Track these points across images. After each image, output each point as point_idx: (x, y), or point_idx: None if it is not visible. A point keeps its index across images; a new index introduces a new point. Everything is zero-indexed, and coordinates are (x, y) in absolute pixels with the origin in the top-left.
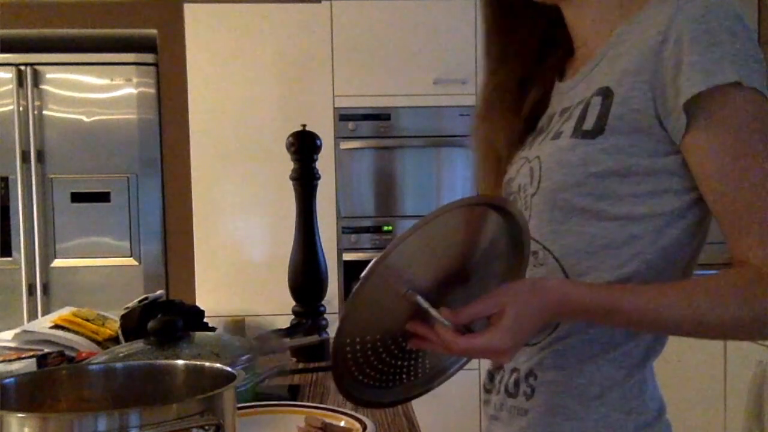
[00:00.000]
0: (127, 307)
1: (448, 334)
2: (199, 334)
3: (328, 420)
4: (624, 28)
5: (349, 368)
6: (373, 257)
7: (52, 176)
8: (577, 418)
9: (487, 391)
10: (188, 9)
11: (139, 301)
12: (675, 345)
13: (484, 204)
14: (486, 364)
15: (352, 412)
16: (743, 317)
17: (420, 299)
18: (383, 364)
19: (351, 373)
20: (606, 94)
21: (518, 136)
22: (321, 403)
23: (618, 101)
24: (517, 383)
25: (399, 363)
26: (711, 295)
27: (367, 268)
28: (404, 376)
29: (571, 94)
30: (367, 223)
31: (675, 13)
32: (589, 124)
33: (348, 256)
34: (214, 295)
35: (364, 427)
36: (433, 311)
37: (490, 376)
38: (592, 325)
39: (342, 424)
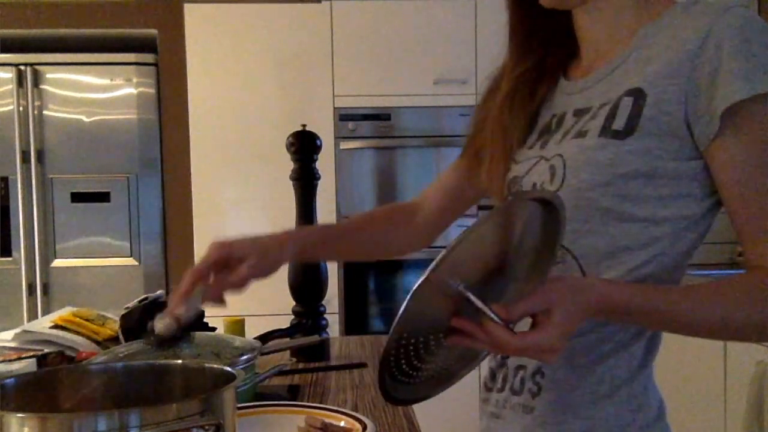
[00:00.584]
0: (127, 307)
1: (499, 330)
2: (199, 334)
3: (328, 420)
4: (648, 30)
5: (389, 365)
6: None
7: (52, 176)
8: (586, 416)
9: (488, 389)
10: (188, 9)
11: (139, 301)
12: (675, 345)
13: (539, 199)
14: (485, 362)
15: (352, 413)
16: (764, 319)
17: (471, 296)
18: (418, 360)
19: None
20: (638, 95)
21: (523, 132)
22: (321, 403)
23: (651, 102)
24: (522, 381)
25: (424, 360)
26: (738, 297)
27: (435, 263)
28: (423, 372)
29: (586, 94)
30: None
31: (715, 20)
32: (619, 124)
33: None
34: None
35: (364, 427)
36: (485, 308)
37: (493, 373)
38: (605, 324)
39: (342, 424)
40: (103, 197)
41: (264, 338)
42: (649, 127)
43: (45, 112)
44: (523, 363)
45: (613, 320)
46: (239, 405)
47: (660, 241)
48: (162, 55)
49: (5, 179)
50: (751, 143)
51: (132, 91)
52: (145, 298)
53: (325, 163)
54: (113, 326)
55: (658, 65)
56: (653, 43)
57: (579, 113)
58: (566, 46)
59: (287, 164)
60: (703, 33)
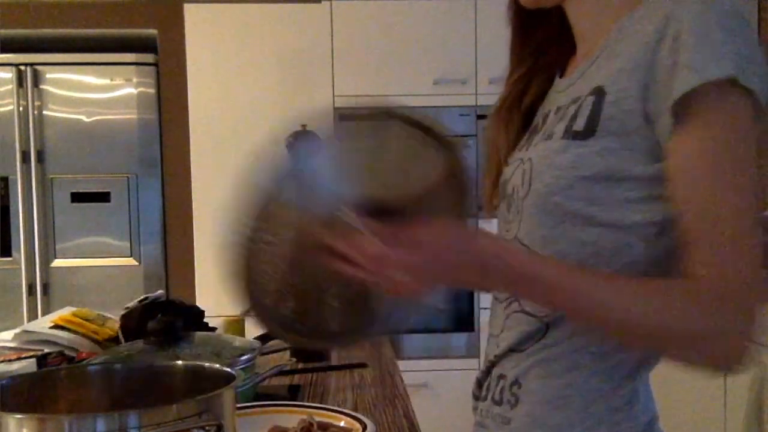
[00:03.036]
0: (127, 307)
1: (366, 241)
2: (199, 334)
3: (327, 420)
4: (624, 22)
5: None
6: None
7: (52, 176)
8: (560, 431)
9: (476, 397)
10: (188, 9)
11: (139, 301)
12: None
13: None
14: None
15: (352, 412)
16: (672, 327)
17: (345, 211)
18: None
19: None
20: (599, 93)
21: (517, 134)
22: (321, 403)
23: (610, 101)
24: (502, 391)
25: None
26: (649, 297)
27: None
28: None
29: (569, 91)
30: None
31: (673, 9)
32: (579, 125)
33: None
34: (214, 295)
35: (364, 427)
36: (357, 221)
37: (479, 383)
38: (581, 332)
39: (342, 424)
40: (103, 197)
41: (264, 338)
42: (609, 126)
43: (45, 112)
44: (504, 372)
45: (507, 289)
46: (239, 405)
47: (632, 248)
48: (162, 55)
49: (5, 179)
50: (705, 140)
51: (132, 91)
52: (145, 298)
53: None
54: (113, 326)
55: (623, 61)
56: (624, 37)
57: (558, 111)
58: (565, 43)
59: None
60: (662, 24)
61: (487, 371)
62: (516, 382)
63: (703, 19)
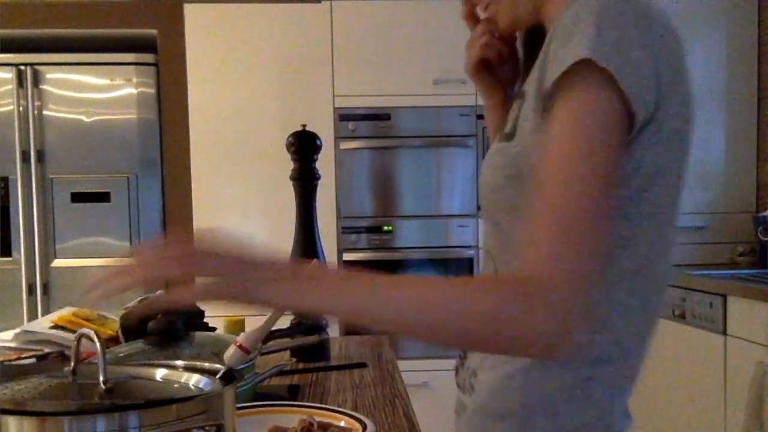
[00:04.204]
0: (127, 307)
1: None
2: (199, 334)
3: (327, 420)
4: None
5: None
6: (373, 257)
7: (52, 176)
8: (502, 428)
9: (457, 385)
10: (188, 9)
11: (139, 301)
12: (675, 346)
13: None
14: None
15: (352, 413)
16: (447, 323)
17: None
18: None
19: None
20: (522, 96)
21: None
22: (321, 403)
23: (526, 103)
24: (464, 380)
25: None
26: (426, 298)
27: None
28: None
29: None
30: (367, 223)
31: (565, 9)
32: (508, 127)
33: (348, 256)
34: None
35: (364, 427)
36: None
37: (456, 371)
38: None
39: (342, 424)
40: (103, 197)
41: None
42: (525, 127)
43: (45, 112)
44: (469, 364)
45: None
46: (239, 405)
47: None
48: (162, 55)
49: (5, 179)
50: (555, 127)
51: (132, 91)
52: (145, 298)
53: (325, 163)
54: (113, 326)
55: (537, 63)
56: (547, 42)
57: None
58: None
59: (287, 164)
60: (555, 24)
61: (461, 361)
62: (474, 373)
63: (576, 15)
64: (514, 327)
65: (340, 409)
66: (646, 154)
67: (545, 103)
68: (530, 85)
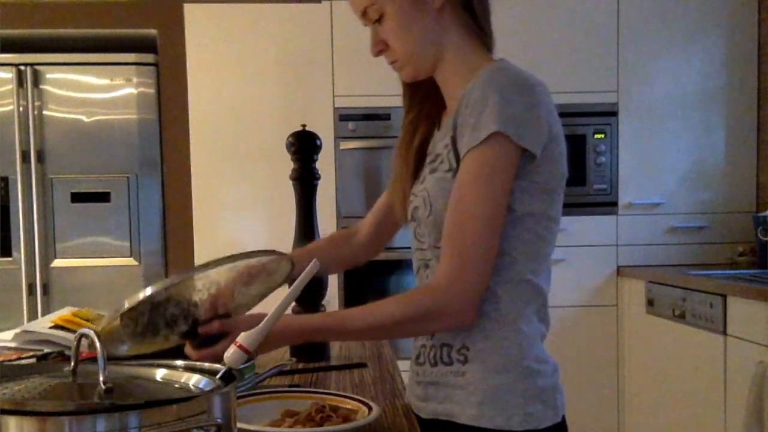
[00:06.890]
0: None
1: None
2: None
3: (336, 404)
4: (465, 92)
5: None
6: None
7: (52, 176)
8: (503, 372)
9: (419, 364)
10: (188, 9)
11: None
12: (675, 345)
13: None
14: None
15: (360, 398)
16: (386, 324)
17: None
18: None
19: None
20: (453, 142)
21: (414, 167)
22: None
23: (455, 147)
24: (449, 354)
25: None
26: (377, 312)
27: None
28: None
29: (443, 140)
30: None
31: (472, 84)
32: (453, 164)
33: None
34: None
35: (370, 410)
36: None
37: (418, 356)
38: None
39: (349, 407)
40: (103, 197)
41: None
42: (455, 164)
43: (45, 112)
44: (446, 341)
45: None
46: (251, 392)
47: (500, 269)
48: (162, 55)
49: (5, 179)
50: (468, 168)
51: (132, 91)
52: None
53: (325, 163)
54: None
55: (449, 122)
56: (460, 102)
57: (437, 157)
58: (441, 97)
59: (287, 164)
60: (463, 94)
61: (429, 342)
62: (464, 347)
63: (483, 92)
64: (434, 321)
65: (348, 395)
66: (547, 167)
67: (458, 155)
68: (444, 137)
